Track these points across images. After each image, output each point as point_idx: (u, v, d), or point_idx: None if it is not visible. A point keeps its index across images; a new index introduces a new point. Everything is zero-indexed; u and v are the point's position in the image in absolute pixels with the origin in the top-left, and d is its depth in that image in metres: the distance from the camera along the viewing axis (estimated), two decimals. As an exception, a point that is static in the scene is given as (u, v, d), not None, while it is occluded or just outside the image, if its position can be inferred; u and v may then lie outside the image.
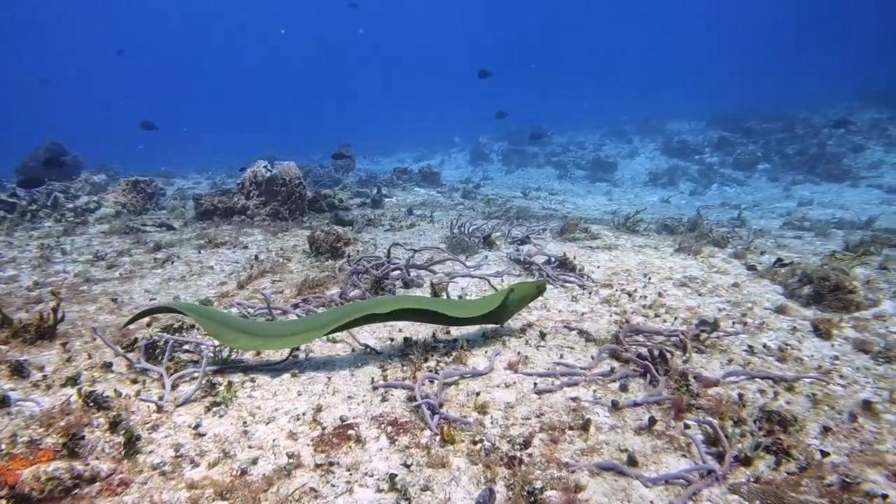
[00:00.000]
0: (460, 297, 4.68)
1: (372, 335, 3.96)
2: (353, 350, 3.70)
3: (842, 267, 4.73)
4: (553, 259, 5.38)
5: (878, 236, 7.74)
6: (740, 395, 3.02)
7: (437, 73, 72.38)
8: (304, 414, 2.87)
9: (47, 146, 15.50)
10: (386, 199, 12.40)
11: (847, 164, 16.19)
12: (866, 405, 2.99)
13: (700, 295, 4.75)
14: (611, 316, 4.24)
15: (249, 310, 4.30)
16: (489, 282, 4.61)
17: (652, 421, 2.73)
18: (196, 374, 3.17)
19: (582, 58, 69.61)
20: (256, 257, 5.95)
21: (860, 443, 2.69)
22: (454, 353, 3.50)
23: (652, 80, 53.50)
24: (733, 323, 4.13)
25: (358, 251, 6.01)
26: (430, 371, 3.29)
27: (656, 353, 3.33)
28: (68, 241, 6.68)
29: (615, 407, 2.88)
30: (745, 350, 3.66)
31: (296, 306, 4.31)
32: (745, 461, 2.52)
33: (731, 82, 42.27)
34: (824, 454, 2.57)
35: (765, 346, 3.76)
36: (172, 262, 5.72)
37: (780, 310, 4.40)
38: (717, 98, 33.08)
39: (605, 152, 23.65)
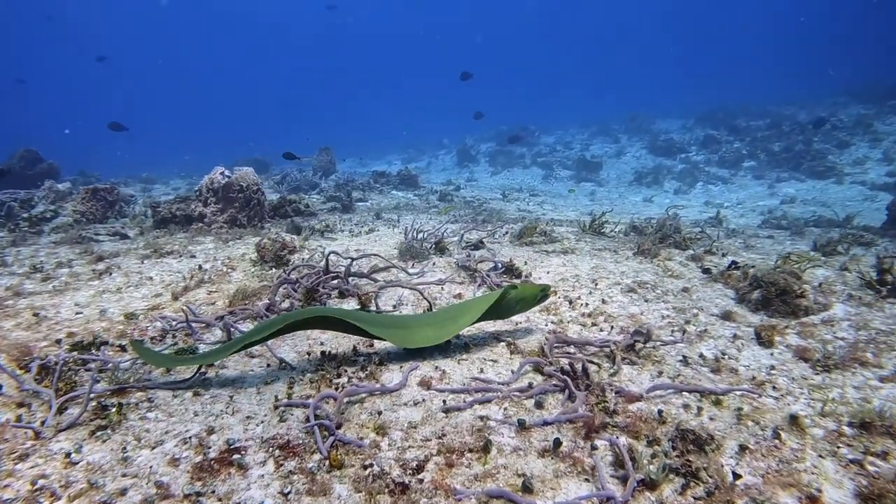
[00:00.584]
0: (395, 306, 4.51)
1: (293, 349, 3.78)
2: (268, 365, 3.53)
3: (794, 270, 4.56)
4: (499, 265, 5.21)
5: (850, 234, 7.59)
6: (660, 412, 2.85)
7: (427, 74, 72.28)
8: (193, 437, 2.69)
9: (21, 154, 15.31)
10: (360, 203, 12.24)
11: (832, 161, 16.08)
12: (793, 420, 2.83)
13: (646, 301, 4.59)
14: (546, 325, 4.07)
15: (172, 322, 4.13)
16: (421, 293, 4.42)
17: (557, 443, 2.56)
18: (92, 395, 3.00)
19: (572, 57, 69.61)
20: (200, 267, 5.78)
21: (778, 462, 2.53)
22: (369, 369, 3.32)
23: (643, 78, 53.55)
24: (672, 331, 3.96)
25: (304, 259, 5.83)
26: (340, 388, 3.12)
27: (579, 366, 3.16)
28: (13, 252, 6.49)
29: (522, 427, 2.71)
30: (680, 361, 3.49)
31: (220, 318, 4.14)
32: (651, 485, 2.35)
33: (721, 80, 42.35)
34: (736, 476, 2.41)
35: (701, 356, 3.59)
36: (111, 274, 5.54)
37: (725, 316, 4.23)
38: (706, 96, 33.08)
39: (591, 152, 23.55)
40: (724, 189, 16.78)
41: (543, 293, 3.71)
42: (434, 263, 5.77)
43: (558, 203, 14.49)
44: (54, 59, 74.35)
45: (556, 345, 3.50)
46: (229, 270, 5.72)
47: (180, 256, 6.32)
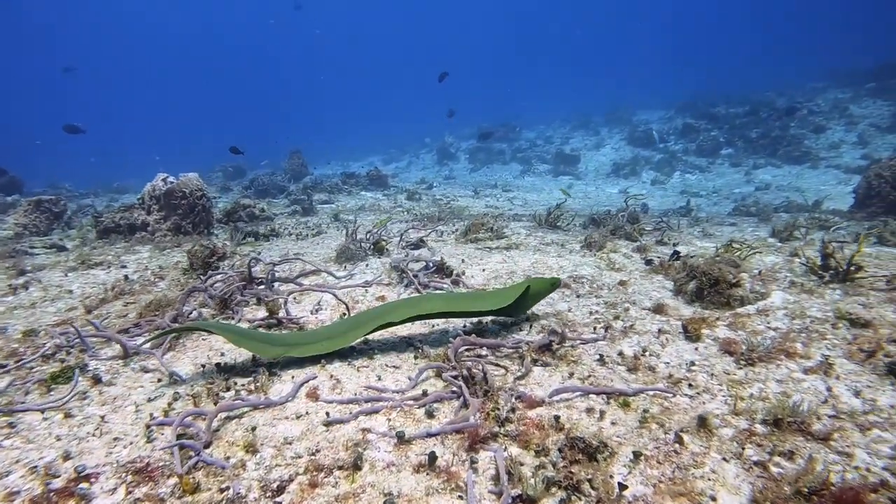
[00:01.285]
0: (314, 310, 4.30)
1: (192, 361, 3.56)
2: (159, 380, 3.30)
3: (733, 258, 4.37)
4: (431, 264, 4.99)
5: (815, 219, 7.43)
6: (557, 418, 2.64)
7: (409, 73, 71.96)
8: (42, 466, 2.47)
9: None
10: (325, 206, 12.01)
11: (807, 146, 15.95)
12: (702, 421, 2.63)
13: (578, 297, 4.39)
14: (465, 326, 3.86)
15: (68, 337, 3.89)
16: (336, 295, 4.20)
17: (433, 457, 2.35)
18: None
19: (556, 50, 69.42)
20: (127, 277, 5.54)
21: (674, 469, 2.33)
22: (260, 380, 3.11)
23: (629, 69, 53.47)
24: (595, 328, 3.76)
25: (234, 265, 5.60)
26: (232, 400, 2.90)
27: (479, 370, 2.95)
28: (-63, 269, 6.23)
29: (401, 440, 2.50)
30: (597, 360, 3.28)
31: (124, 331, 3.91)
32: (529, 501, 2.14)
33: (705, 68, 42.24)
34: (622, 487, 2.20)
35: (621, 353, 3.39)
36: (28, 289, 5.29)
37: (657, 309, 4.04)
38: (689, 85, 32.99)
39: (571, 145, 23.41)
40: (702, 178, 16.65)
41: (553, 285, 3.75)
42: (367, 265, 5.55)
43: (530, 198, 14.29)
44: (22, 67, 73.36)
45: (462, 348, 3.28)
46: (157, 280, 5.49)
47: (109, 267, 6.07)
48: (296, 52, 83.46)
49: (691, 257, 4.84)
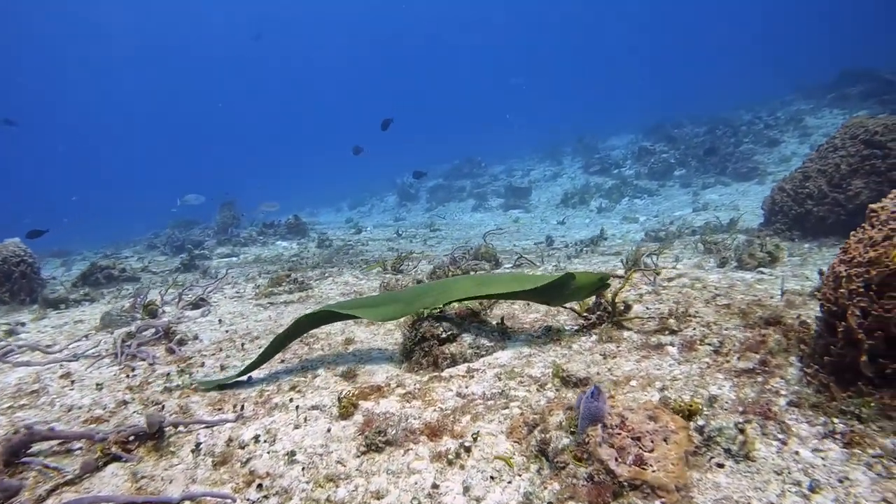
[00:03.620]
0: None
1: None
2: None
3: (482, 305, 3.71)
4: (160, 329, 4.38)
5: (707, 241, 6.79)
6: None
7: (376, 114, 72.44)
8: None
9: None
10: (226, 259, 11.49)
11: (757, 161, 15.32)
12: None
13: (281, 362, 3.72)
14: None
15: None
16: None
17: None
18: None
19: (537, 74, 69.76)
20: None
21: None
22: None
23: (607, 93, 53.58)
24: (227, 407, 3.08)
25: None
26: None
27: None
28: None
29: None
30: (192, 449, 2.60)
31: None
32: None
33: (680, 89, 42.07)
34: None
35: (229, 441, 2.70)
36: None
37: (347, 374, 3.36)
38: (665, 106, 32.58)
39: (531, 177, 22.95)
40: (650, 202, 16.00)
41: (602, 282, 3.64)
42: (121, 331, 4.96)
43: (457, 235, 13.67)
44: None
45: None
46: None
47: None
48: (271, 95, 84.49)
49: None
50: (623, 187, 17.52)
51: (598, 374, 3.01)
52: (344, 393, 2.96)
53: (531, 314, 4.28)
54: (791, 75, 31.26)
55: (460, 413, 2.75)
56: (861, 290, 2.60)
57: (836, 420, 2.43)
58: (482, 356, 3.38)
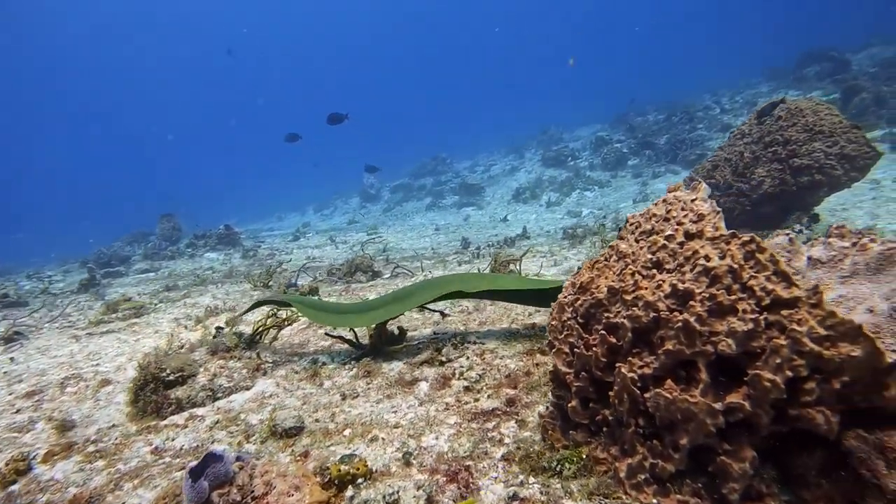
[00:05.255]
0: None
1: None
2: None
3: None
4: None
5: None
6: None
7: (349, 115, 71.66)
8: None
9: None
10: (144, 275, 11.04)
11: (706, 147, 14.96)
12: None
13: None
14: None
15: None
16: None
17: None
18: None
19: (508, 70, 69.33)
20: None
21: None
22: None
23: (580, 82, 53.19)
24: None
25: None
26: None
27: None
28: None
29: None
30: None
31: None
32: None
33: (649, 74, 41.70)
34: None
35: None
36: None
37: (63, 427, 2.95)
38: (634, 94, 32.07)
39: (491, 172, 22.53)
40: (599, 194, 15.64)
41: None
42: None
43: (392, 239, 13.26)
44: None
45: None
46: None
47: None
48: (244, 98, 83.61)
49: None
50: (575, 180, 17.15)
51: (317, 420, 2.63)
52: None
53: (323, 342, 3.88)
54: (768, 57, 30.92)
55: (130, 477, 2.35)
56: (571, 321, 2.21)
57: (532, 479, 2.05)
58: (218, 399, 2.98)
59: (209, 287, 7.30)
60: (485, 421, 2.51)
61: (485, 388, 2.76)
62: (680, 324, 1.84)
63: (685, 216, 2.06)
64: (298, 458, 2.36)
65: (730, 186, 7.15)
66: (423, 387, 2.87)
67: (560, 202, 15.91)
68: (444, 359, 3.11)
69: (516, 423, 2.46)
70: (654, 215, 2.22)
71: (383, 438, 2.45)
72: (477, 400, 2.69)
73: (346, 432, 2.53)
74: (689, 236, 1.99)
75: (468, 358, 3.12)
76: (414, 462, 2.24)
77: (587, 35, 72.44)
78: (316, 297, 4.79)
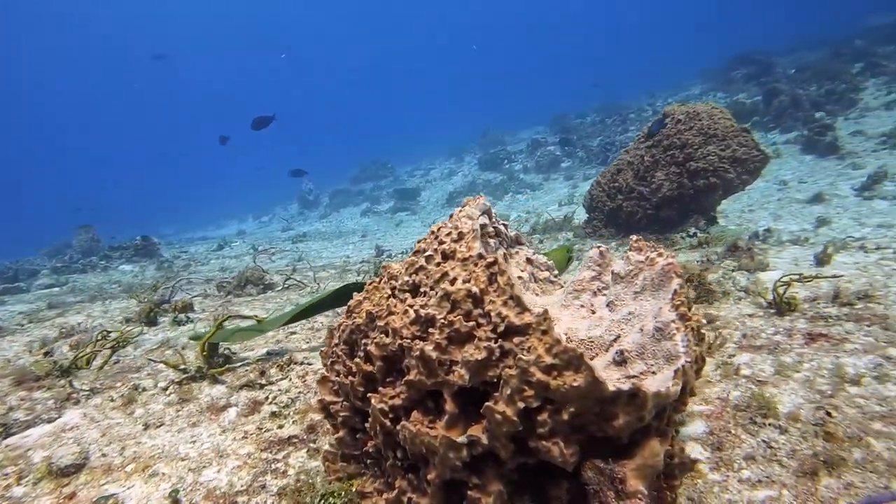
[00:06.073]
0: None
1: None
2: None
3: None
4: None
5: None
6: None
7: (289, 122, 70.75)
8: None
9: None
10: (46, 290, 10.46)
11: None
12: None
13: None
14: None
15: None
16: None
17: None
18: None
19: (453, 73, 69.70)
20: None
21: None
22: None
23: (528, 84, 53.75)
24: None
25: None
26: None
27: None
28: None
29: None
30: None
31: None
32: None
33: (597, 75, 42.42)
34: None
35: None
36: None
37: None
38: (583, 95, 32.42)
39: (430, 176, 22.42)
40: (531, 197, 15.68)
41: (569, 253, 3.76)
42: None
43: (315, 248, 12.98)
44: None
45: None
46: None
47: None
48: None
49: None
50: (508, 183, 17.19)
51: (104, 455, 2.43)
52: None
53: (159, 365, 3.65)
54: (712, 58, 31.76)
55: None
56: (337, 347, 2.07)
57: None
58: (12, 434, 2.73)
59: (95, 304, 6.93)
60: (278, 450, 2.36)
61: (293, 413, 2.61)
62: (417, 353, 1.71)
63: (447, 234, 1.94)
64: (63, 500, 2.16)
65: (632, 190, 7.20)
66: (232, 413, 2.69)
67: (493, 206, 15.89)
68: (264, 381, 2.94)
69: (308, 452, 2.32)
70: (432, 233, 2.10)
71: (164, 473, 2.27)
72: (281, 427, 2.53)
73: (130, 467, 2.33)
74: (445, 256, 1.87)
75: (290, 380, 2.96)
76: (182, 499, 2.07)
77: (547, 33, 73.40)
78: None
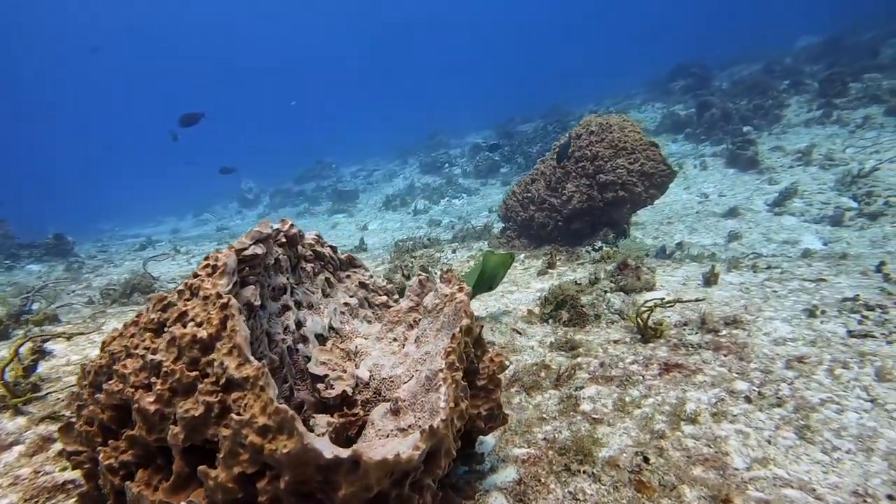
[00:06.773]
0: None
1: None
2: None
3: None
4: None
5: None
6: None
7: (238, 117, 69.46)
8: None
9: None
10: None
11: (570, 157, 15.20)
12: None
13: None
14: None
15: None
16: None
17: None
18: None
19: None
20: None
21: None
22: None
23: (483, 87, 53.96)
24: None
25: None
26: None
27: None
28: None
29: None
30: None
31: None
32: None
33: (548, 80, 42.90)
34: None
35: None
36: None
37: None
38: (536, 100, 32.46)
39: (373, 178, 22.09)
40: (467, 202, 15.61)
41: (512, 258, 3.79)
42: None
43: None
44: None
45: None
46: None
47: None
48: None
49: None
50: (446, 187, 17.07)
51: None
52: None
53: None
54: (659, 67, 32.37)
55: None
56: (82, 389, 1.84)
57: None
58: None
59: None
60: (47, 498, 2.11)
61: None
62: (137, 405, 1.51)
63: (205, 266, 1.74)
64: None
65: (543, 201, 7.15)
66: (15, 452, 2.42)
67: (427, 210, 15.77)
68: (70, 413, 2.68)
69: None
70: (206, 259, 1.90)
71: None
72: (65, 469, 2.28)
73: None
74: (192, 293, 1.67)
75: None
76: None
77: (505, 38, 73.81)
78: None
